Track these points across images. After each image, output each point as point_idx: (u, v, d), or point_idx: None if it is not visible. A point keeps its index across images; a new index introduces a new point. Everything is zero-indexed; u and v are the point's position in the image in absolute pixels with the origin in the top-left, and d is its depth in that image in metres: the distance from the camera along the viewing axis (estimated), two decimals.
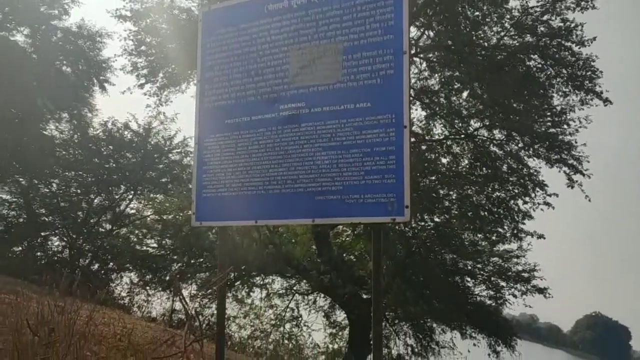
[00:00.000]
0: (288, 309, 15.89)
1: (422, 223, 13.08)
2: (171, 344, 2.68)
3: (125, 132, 17.25)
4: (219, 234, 3.83)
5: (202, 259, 14.31)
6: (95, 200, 17.05)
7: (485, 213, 11.76)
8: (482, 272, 14.78)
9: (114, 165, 17.03)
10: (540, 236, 11.15)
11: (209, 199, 3.66)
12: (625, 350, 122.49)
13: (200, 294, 13.51)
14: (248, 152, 3.57)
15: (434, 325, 15.37)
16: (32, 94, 14.94)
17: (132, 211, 17.73)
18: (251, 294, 15.49)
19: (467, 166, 10.85)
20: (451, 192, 11.65)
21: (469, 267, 14.68)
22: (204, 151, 3.78)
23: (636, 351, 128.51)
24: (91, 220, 16.74)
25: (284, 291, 16.09)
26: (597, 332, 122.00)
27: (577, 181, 9.93)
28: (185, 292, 13.60)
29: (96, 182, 16.63)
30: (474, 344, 14.73)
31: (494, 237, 13.39)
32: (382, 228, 3.25)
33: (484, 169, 10.61)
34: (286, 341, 15.21)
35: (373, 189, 3.09)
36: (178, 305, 13.82)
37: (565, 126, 9.95)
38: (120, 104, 15.82)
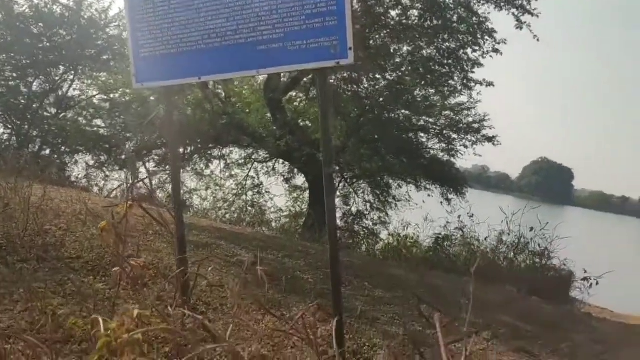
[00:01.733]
0: (248, 178, 16.21)
1: (373, 83, 13.07)
2: (130, 205, 2.72)
3: (54, 7, 15.96)
4: (165, 96, 3.73)
5: (155, 136, 14.11)
6: (35, 84, 16.19)
7: (436, 66, 11.78)
8: (434, 127, 15.19)
9: (47, 44, 15.94)
10: (490, 83, 11.34)
11: (147, 59, 3.50)
12: (568, 190, 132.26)
13: (159, 168, 13.55)
14: (183, 5, 3.37)
15: (390, 181, 16.06)
16: None
17: (76, 92, 17.01)
18: (210, 165, 15.62)
19: (417, 17, 10.61)
20: (401, 46, 11.52)
21: (422, 123, 15.05)
22: (136, 9, 3.55)
23: (577, 189, 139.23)
24: (34, 105, 16.03)
25: (242, 161, 16.29)
26: (542, 176, 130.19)
27: (525, 22, 9.87)
28: (142, 170, 13.58)
29: (32, 65, 15.67)
30: (428, 195, 15.58)
31: (445, 90, 13.60)
32: (327, 73, 3.22)
33: (433, 19, 10.40)
34: (250, 208, 15.71)
35: (315, 33, 3.00)
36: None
37: None
38: None
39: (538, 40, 9.75)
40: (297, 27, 3.05)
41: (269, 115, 13.12)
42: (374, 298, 4.96)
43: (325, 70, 3.12)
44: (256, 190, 16.13)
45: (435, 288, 6.36)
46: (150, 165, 14.57)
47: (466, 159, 15.33)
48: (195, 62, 3.34)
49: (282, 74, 11.61)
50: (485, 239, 9.54)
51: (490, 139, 14.71)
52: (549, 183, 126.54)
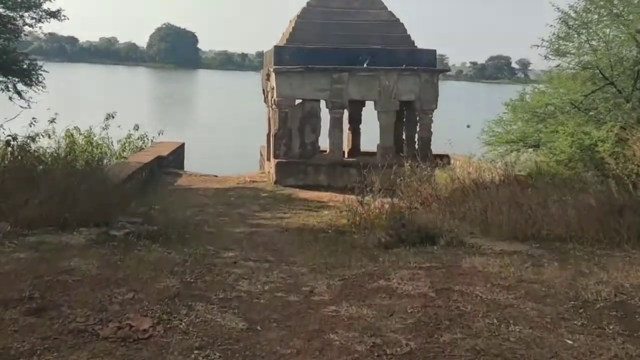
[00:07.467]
0: None
1: None
2: None
3: None
4: None
5: None
6: None
7: None
8: None
9: None
10: None
11: None
12: (195, 52, 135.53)
13: None
14: None
15: None
16: None
17: None
18: None
19: None
20: None
21: None
22: None
23: (205, 51, 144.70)
24: None
25: None
26: (169, 42, 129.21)
27: None
28: None
29: None
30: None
31: None
32: None
33: None
34: None
35: None
36: None
37: None
38: None
39: None
40: None
41: None
42: None
43: None
44: None
45: None
46: None
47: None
48: None
49: None
50: None
51: (54, 14, 12.97)
52: (175, 48, 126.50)
